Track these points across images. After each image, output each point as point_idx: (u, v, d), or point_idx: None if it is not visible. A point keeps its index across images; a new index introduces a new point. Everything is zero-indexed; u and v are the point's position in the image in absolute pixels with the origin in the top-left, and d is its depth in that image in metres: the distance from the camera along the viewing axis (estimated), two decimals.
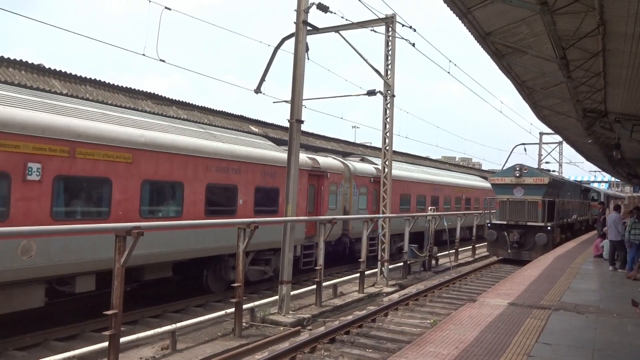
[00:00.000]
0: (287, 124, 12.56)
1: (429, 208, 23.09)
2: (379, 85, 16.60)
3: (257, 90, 14.53)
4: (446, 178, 30.41)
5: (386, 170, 16.72)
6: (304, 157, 16.55)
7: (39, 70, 15.92)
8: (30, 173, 8.95)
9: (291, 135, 12.19)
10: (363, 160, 22.76)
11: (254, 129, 23.74)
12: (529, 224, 22.08)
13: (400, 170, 24.17)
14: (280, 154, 15.39)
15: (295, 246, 14.27)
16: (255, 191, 14.20)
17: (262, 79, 14.60)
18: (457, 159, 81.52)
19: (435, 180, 27.85)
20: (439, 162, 49.94)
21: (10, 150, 8.68)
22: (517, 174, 22.72)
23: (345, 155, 23.54)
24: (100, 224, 9.45)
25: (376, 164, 21.29)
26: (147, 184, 11.17)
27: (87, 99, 15.56)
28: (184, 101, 21.34)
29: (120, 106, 16.41)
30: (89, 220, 9.95)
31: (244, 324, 10.74)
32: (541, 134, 43.39)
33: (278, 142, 18.68)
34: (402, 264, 18.00)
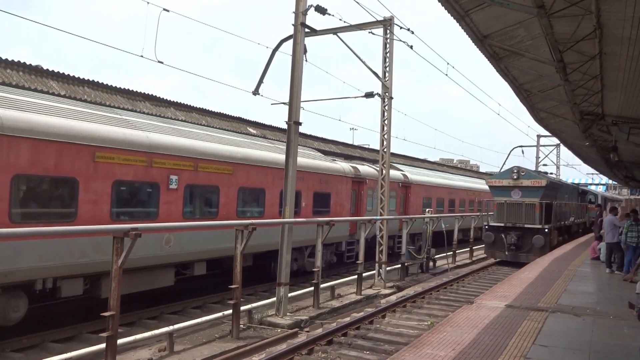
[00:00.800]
0: (285, 126, 12.57)
1: (427, 210, 23.11)
2: (377, 87, 16.67)
3: (255, 92, 14.54)
4: (460, 182, 32.50)
5: (384, 172, 16.74)
6: (347, 165, 19.80)
7: (36, 71, 15.93)
8: (171, 183, 11.87)
9: (289, 137, 12.20)
10: (391, 167, 23.63)
11: (252, 130, 23.76)
12: (526, 226, 22.13)
13: (422, 175, 27.02)
14: (330, 164, 18.79)
15: (341, 242, 18.22)
16: (313, 195, 17.11)
17: (260, 81, 14.61)
18: (454, 161, 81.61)
19: (451, 185, 30.00)
20: (437, 164, 49.97)
21: (160, 167, 11.58)
22: (515, 176, 22.78)
23: (374, 162, 24.80)
24: (215, 221, 12.64)
25: (402, 171, 24.64)
26: (241, 191, 14.07)
27: (85, 100, 15.56)
28: (182, 102, 21.35)
29: (120, 107, 16.42)
30: (205, 218, 13.00)
31: (242, 325, 10.73)
32: (539, 136, 43.52)
33: (325, 152, 21.88)
34: (399, 265, 18.01)
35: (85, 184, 10.02)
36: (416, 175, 25.91)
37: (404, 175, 24.15)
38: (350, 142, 38.39)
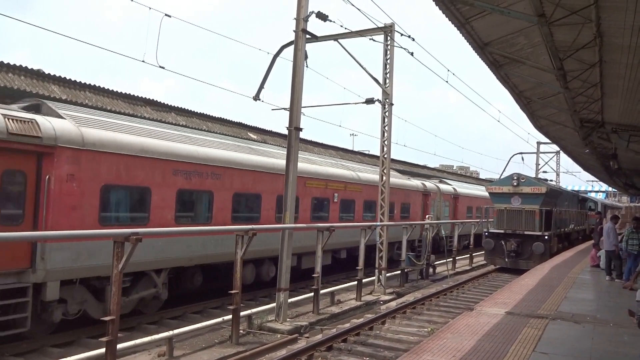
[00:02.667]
0: (285, 131, 12.60)
1: (427, 216, 23.14)
2: (377, 92, 16.70)
3: (256, 98, 14.58)
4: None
5: (384, 178, 16.76)
6: (419, 182, 26.15)
7: (38, 75, 15.97)
8: (335, 199, 18.02)
9: (290, 142, 12.22)
10: (441, 181, 31.42)
11: (252, 135, 23.79)
12: (526, 233, 22.11)
13: (465, 188, 33.72)
14: (410, 182, 24.73)
15: (415, 240, 21.41)
16: (401, 205, 22.85)
17: (261, 87, 14.65)
18: (454, 168, 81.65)
19: (486, 196, 32.57)
20: (437, 170, 50.01)
21: (328, 188, 17.77)
22: (515, 183, 22.79)
23: (426, 177, 32.32)
24: (321, 224, 14.89)
25: (452, 185, 31.36)
26: (342, 201, 18.54)
27: (87, 105, 15.60)
28: (182, 107, 21.39)
29: (119, 112, 16.45)
30: (321, 221, 16.92)
31: (241, 331, 10.72)
32: (539, 143, 43.57)
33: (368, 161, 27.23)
34: (399, 272, 18.00)
35: (156, 192, 11.39)
36: (461, 188, 32.59)
37: (454, 188, 30.91)
38: (350, 147, 38.47)
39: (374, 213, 19.16)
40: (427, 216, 23.15)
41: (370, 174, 20.99)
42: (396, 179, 22.90)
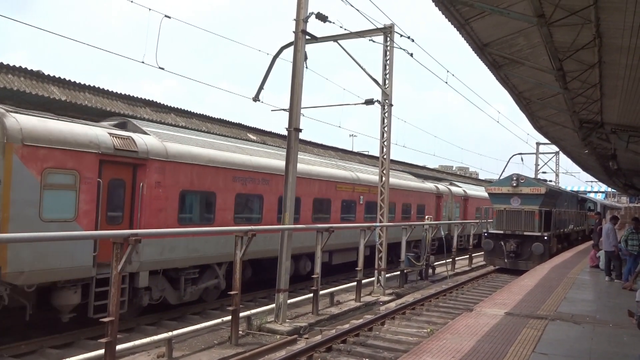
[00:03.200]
0: (285, 132, 12.60)
1: (426, 217, 23.12)
2: (377, 93, 16.71)
3: (256, 99, 14.59)
4: None
5: (383, 179, 16.75)
6: (432, 185, 28.51)
7: (37, 76, 15.95)
8: (361, 201, 19.91)
9: (289, 143, 12.22)
10: (451, 184, 33.53)
11: (252, 136, 23.79)
12: (525, 233, 22.11)
13: (473, 191, 35.51)
14: (425, 185, 27.05)
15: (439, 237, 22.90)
16: (417, 206, 25.07)
17: (261, 87, 14.67)
18: (454, 168, 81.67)
19: (487, 197, 36.21)
20: (437, 171, 50.02)
21: (355, 191, 19.31)
22: (514, 184, 22.79)
23: (437, 179, 35.46)
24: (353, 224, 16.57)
25: (461, 187, 33.82)
26: (367, 203, 20.37)
27: (86, 106, 15.60)
28: (182, 108, 21.37)
29: (120, 114, 16.44)
30: (349, 221, 18.79)
31: (241, 332, 10.71)
32: (538, 144, 43.58)
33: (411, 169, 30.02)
34: (398, 272, 18.00)
35: (220, 196, 13.22)
36: (470, 190, 34.78)
37: (464, 191, 33.23)
38: (349, 148, 38.48)
39: (393, 214, 21.69)
40: (426, 217, 23.14)
41: (389, 178, 22.11)
42: (412, 182, 25.76)
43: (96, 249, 10.17)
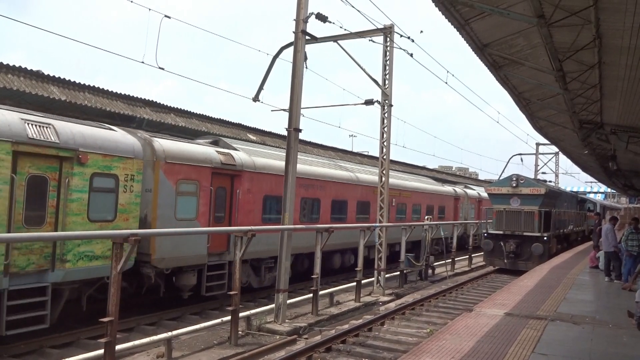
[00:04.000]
0: (284, 132, 12.60)
1: (426, 217, 23.13)
2: (377, 93, 16.74)
3: (256, 99, 14.58)
4: None
5: (383, 179, 16.75)
6: (451, 188, 31.31)
7: (37, 76, 15.94)
8: (393, 203, 21.45)
9: (289, 143, 12.22)
10: (466, 187, 35.82)
11: (252, 137, 23.78)
12: (525, 234, 22.12)
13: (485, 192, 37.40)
14: (445, 188, 30.34)
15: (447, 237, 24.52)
16: (439, 208, 27.99)
17: (261, 88, 14.66)
18: (453, 169, 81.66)
19: None
20: (436, 171, 50.02)
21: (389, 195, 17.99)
22: (514, 184, 22.80)
23: (452, 183, 36.74)
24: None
25: (476, 190, 36.25)
26: (398, 204, 23.09)
27: (86, 106, 15.59)
28: (181, 108, 21.36)
29: (118, 113, 16.43)
30: (402, 221, 22.02)
31: (240, 332, 10.71)
32: (538, 144, 43.59)
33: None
34: (398, 273, 17.99)
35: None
36: (483, 193, 34.94)
37: (478, 193, 35.32)
38: (349, 148, 38.47)
39: (418, 215, 25.16)
40: (426, 217, 23.15)
41: (415, 182, 26.60)
42: (434, 185, 29.17)
43: (209, 242, 12.78)
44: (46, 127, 9.61)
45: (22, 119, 9.28)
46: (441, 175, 42.95)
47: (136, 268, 11.37)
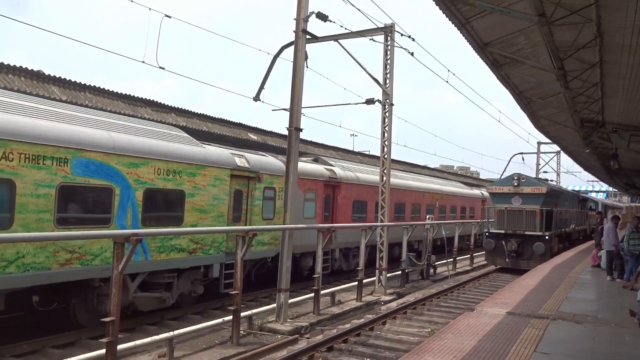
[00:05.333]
0: (285, 132, 12.59)
1: (427, 217, 23.11)
2: (377, 92, 16.68)
3: (256, 98, 14.58)
4: None
5: (384, 178, 16.74)
6: (479, 191, 35.56)
7: (38, 76, 15.97)
8: (437, 205, 26.77)
9: (290, 143, 12.21)
10: (475, 188, 39.29)
11: (252, 136, 23.78)
12: (527, 233, 22.08)
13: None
14: (473, 192, 34.54)
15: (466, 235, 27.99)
16: (450, 206, 29.63)
17: (261, 87, 14.66)
18: (455, 168, 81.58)
19: None
20: (437, 170, 50.00)
21: (433, 197, 26.20)
22: (515, 183, 22.76)
23: (477, 186, 41.23)
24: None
25: (482, 190, 37.13)
26: (440, 206, 27.65)
27: (88, 106, 15.59)
28: (182, 108, 21.38)
29: (121, 113, 16.43)
30: (415, 219, 23.74)
31: (242, 331, 10.71)
32: (539, 143, 43.53)
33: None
34: (400, 272, 17.99)
35: (369, 203, 20.24)
36: (486, 192, 38.34)
37: (482, 193, 35.88)
38: (350, 148, 38.47)
39: (454, 213, 29.73)
40: (427, 217, 23.13)
41: (451, 187, 31.28)
42: (466, 189, 33.88)
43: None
44: (242, 158, 13.98)
45: (232, 153, 13.74)
46: (465, 178, 46.35)
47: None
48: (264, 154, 16.12)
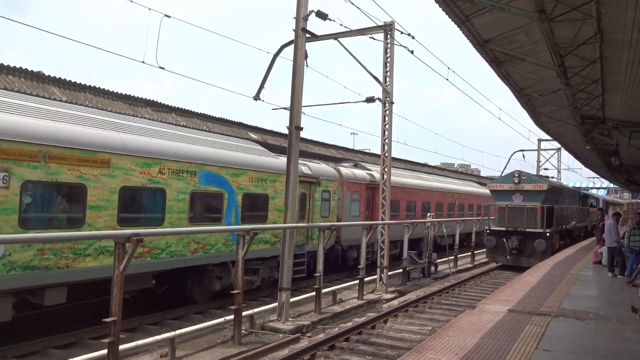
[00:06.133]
0: (285, 131, 12.58)
1: (428, 215, 23.11)
2: (377, 90, 16.66)
3: (257, 97, 14.57)
4: None
5: (385, 177, 16.72)
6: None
7: (38, 77, 15.97)
8: (456, 204, 30.41)
9: (290, 142, 12.20)
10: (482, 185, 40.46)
11: (252, 135, 23.77)
12: (528, 230, 22.08)
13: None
14: (482, 190, 35.01)
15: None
16: (468, 205, 32.06)
17: (261, 86, 14.63)
18: (455, 166, 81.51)
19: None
20: (438, 168, 49.98)
21: (453, 197, 29.40)
22: (516, 180, 22.74)
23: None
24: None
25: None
26: (460, 205, 30.63)
27: (87, 107, 15.58)
28: (182, 108, 21.38)
29: (121, 113, 16.43)
30: (451, 216, 27.77)
31: (243, 331, 10.71)
32: (540, 140, 43.46)
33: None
34: (401, 270, 17.99)
35: (402, 202, 23.21)
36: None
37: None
38: (350, 146, 38.46)
39: (472, 211, 32.05)
40: (428, 214, 23.13)
41: (468, 187, 34.06)
42: (478, 188, 35.90)
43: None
44: (306, 166, 16.88)
45: (299, 163, 14.26)
46: (478, 178, 47.02)
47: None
48: (318, 161, 18.94)
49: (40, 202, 9.06)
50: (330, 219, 17.73)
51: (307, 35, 12.31)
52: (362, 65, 15.58)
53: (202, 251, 12.32)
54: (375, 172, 21.09)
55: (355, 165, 21.91)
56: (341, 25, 13.83)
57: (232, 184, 13.31)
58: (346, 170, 19.88)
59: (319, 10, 12.68)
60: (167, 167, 11.42)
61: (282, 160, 14.86)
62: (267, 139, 24.10)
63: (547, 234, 21.75)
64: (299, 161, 14.06)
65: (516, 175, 22.99)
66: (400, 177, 23.89)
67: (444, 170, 47.38)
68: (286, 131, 12.53)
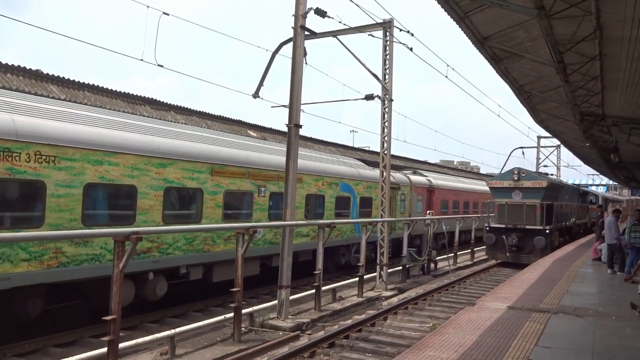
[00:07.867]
0: (284, 128, 12.57)
1: (427, 212, 23.13)
2: (377, 87, 16.67)
3: (256, 95, 14.55)
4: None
5: (384, 174, 16.72)
6: None
7: (36, 75, 15.94)
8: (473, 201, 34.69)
9: (289, 139, 12.18)
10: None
11: (252, 133, 23.76)
12: (527, 227, 22.08)
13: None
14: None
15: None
16: (473, 203, 33.86)
17: (261, 84, 14.62)
18: (455, 163, 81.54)
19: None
20: (438, 165, 49.98)
21: (471, 196, 33.23)
22: (516, 178, 22.75)
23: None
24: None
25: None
26: (474, 203, 33.86)
27: (86, 105, 15.56)
28: (181, 106, 21.37)
29: (120, 111, 16.41)
30: (463, 213, 30.40)
31: (243, 328, 10.71)
32: (539, 137, 43.46)
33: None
34: (401, 267, 18.00)
35: (450, 202, 29.02)
36: None
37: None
38: (350, 144, 38.47)
39: (476, 208, 33.97)
40: (428, 212, 23.14)
41: (477, 185, 35.94)
42: (483, 186, 38.21)
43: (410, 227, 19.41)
44: (392, 177, 18.74)
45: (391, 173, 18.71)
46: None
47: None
48: (395, 171, 22.64)
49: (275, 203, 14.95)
50: (405, 214, 22.83)
51: (306, 32, 12.28)
52: (361, 62, 15.56)
53: (340, 237, 18.05)
54: (431, 177, 27.51)
55: (414, 172, 27.02)
56: (340, 22, 13.83)
57: (355, 190, 19.18)
58: (414, 177, 25.26)
59: (318, 8, 12.65)
60: (326, 181, 17.54)
61: (376, 172, 18.98)
62: (266, 137, 24.08)
63: (547, 231, 21.77)
64: (391, 172, 17.89)
65: (516, 172, 23.00)
66: (448, 181, 30.55)
67: (459, 170, 50.31)
68: (285, 129, 12.51)
